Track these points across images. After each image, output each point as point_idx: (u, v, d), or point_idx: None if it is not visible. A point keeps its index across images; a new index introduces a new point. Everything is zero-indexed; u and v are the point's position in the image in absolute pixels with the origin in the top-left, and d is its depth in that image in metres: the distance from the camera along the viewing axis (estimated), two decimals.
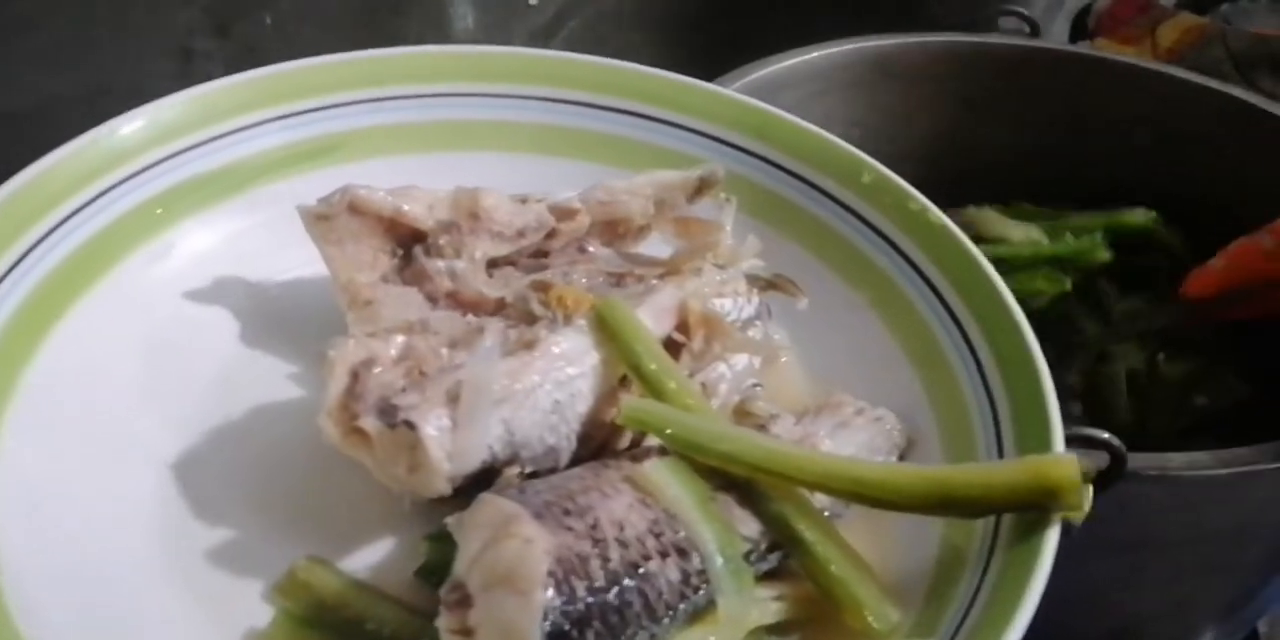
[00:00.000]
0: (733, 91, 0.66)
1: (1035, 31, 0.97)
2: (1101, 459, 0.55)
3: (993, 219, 0.88)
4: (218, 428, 0.54)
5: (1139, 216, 0.88)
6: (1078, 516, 0.47)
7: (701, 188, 0.61)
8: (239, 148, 0.60)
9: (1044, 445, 0.50)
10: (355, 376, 0.50)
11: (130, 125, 0.58)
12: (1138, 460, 0.61)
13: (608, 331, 0.52)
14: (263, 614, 0.49)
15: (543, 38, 0.99)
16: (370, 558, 0.51)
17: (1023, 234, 0.88)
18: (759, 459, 0.49)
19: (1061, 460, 0.47)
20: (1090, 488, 0.47)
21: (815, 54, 0.89)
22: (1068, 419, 0.51)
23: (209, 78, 0.60)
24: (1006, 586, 0.46)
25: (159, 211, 0.58)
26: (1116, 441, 0.54)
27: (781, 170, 0.63)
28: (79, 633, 0.46)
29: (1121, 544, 0.67)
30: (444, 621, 0.45)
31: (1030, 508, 0.47)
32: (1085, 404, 0.82)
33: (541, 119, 0.64)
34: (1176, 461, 0.62)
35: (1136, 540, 0.66)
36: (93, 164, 0.56)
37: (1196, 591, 0.71)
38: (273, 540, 0.51)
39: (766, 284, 0.60)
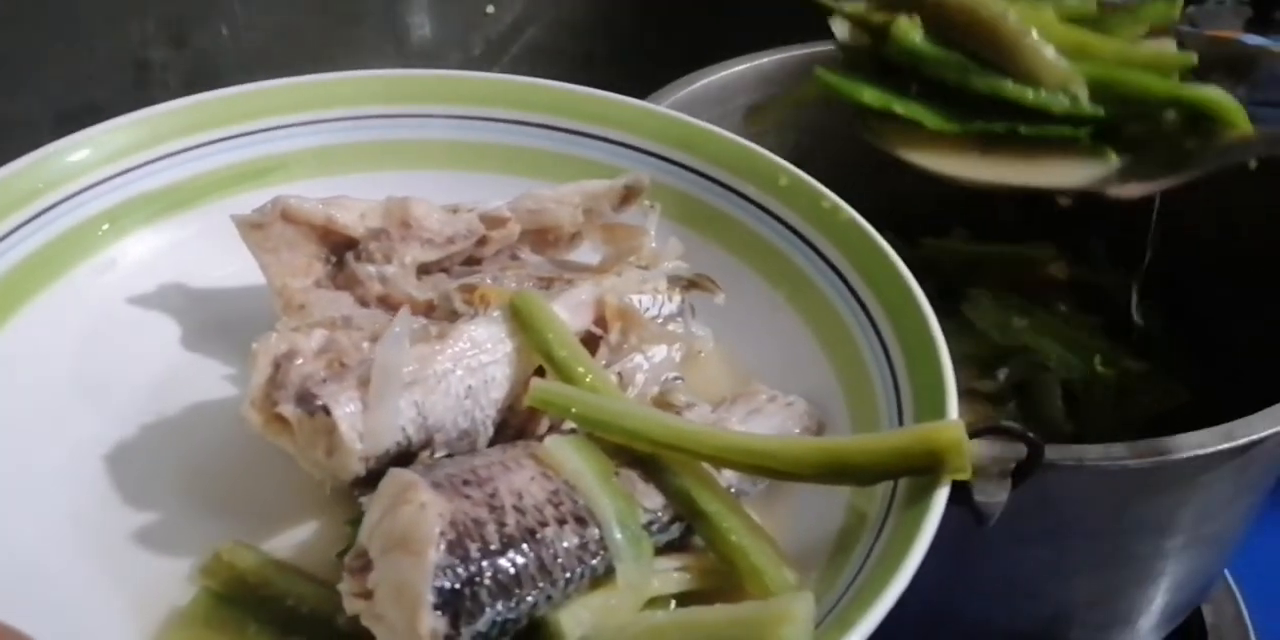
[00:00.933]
0: (655, 105, 0.69)
1: None
2: (1018, 451, 0.56)
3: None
4: (150, 422, 0.56)
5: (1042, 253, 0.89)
6: (965, 477, 0.49)
7: (627, 195, 0.64)
8: (183, 168, 0.64)
9: (938, 418, 0.51)
10: (277, 367, 0.53)
11: (78, 145, 0.61)
12: (1055, 452, 0.62)
13: (521, 321, 0.55)
14: (186, 595, 0.51)
15: (500, 47, 1.00)
16: (295, 541, 0.53)
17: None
18: (661, 435, 0.51)
19: (946, 425, 0.49)
20: (972, 444, 0.49)
21: (772, 58, 0.91)
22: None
23: (166, 89, 0.63)
24: (894, 546, 0.47)
25: (105, 227, 0.62)
26: (1032, 434, 0.55)
27: (703, 177, 0.66)
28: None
29: (1046, 535, 0.67)
30: (345, 585, 0.47)
31: (920, 471, 0.49)
32: (1021, 412, 0.83)
33: (474, 137, 0.68)
34: (1093, 453, 0.63)
35: (1060, 531, 0.67)
36: (40, 181, 0.60)
37: (1125, 580, 0.72)
38: (199, 526, 0.53)
39: (688, 283, 0.63)
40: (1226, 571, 0.89)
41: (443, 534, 0.45)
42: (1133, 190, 0.76)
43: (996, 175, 0.75)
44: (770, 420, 0.57)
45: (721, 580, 0.50)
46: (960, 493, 0.52)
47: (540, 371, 0.55)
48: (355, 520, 0.52)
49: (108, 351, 0.59)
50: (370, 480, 0.50)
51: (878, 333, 0.58)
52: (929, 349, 0.55)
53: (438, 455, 0.53)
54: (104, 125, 0.62)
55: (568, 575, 0.47)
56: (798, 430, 0.57)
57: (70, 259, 0.60)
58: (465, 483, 0.48)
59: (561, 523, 0.48)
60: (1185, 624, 0.84)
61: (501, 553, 0.46)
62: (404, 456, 0.52)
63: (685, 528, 0.51)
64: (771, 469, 0.50)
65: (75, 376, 0.57)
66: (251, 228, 0.59)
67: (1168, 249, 0.84)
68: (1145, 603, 0.75)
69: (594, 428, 0.51)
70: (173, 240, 0.63)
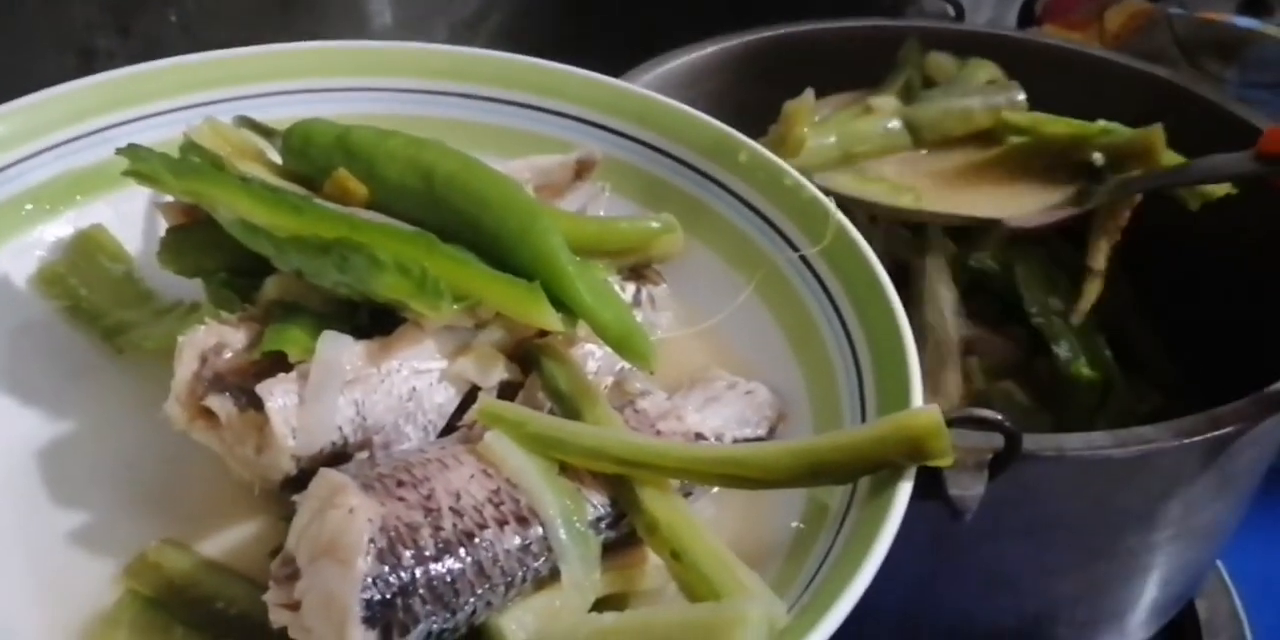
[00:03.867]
0: (610, 78, 0.65)
1: (960, 15, 0.97)
2: (996, 440, 0.54)
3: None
4: (75, 416, 0.54)
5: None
6: (947, 463, 0.46)
7: (580, 171, 0.61)
8: (111, 146, 0.60)
9: (904, 406, 0.49)
10: (204, 361, 0.50)
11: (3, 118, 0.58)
12: (1033, 441, 0.59)
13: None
14: (111, 598, 0.48)
15: (465, 32, 0.97)
16: (227, 541, 0.51)
17: None
18: (623, 453, 0.48)
19: (921, 411, 0.46)
20: (950, 431, 0.46)
21: (741, 40, 0.89)
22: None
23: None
24: (857, 542, 0.45)
25: (28, 207, 0.58)
26: (1009, 422, 0.53)
27: (660, 153, 0.63)
28: None
29: (1027, 527, 0.65)
30: (272, 595, 0.44)
31: (899, 463, 0.46)
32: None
33: (422, 111, 0.65)
34: (1073, 442, 0.61)
35: (1042, 523, 0.65)
36: None
37: (1112, 575, 0.70)
38: (126, 526, 0.50)
39: (632, 271, 0.60)
40: (1220, 564, 0.87)
41: (372, 541, 0.42)
42: (1029, 221, 0.77)
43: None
44: (727, 409, 0.54)
45: (666, 579, 0.48)
46: (933, 486, 0.50)
47: None
48: (289, 517, 0.50)
49: (31, 340, 0.56)
50: (302, 481, 0.47)
51: (841, 318, 0.55)
52: (893, 335, 0.52)
53: (372, 456, 0.50)
54: (31, 97, 0.59)
55: (509, 579, 0.45)
56: (756, 419, 0.55)
57: None
58: (399, 483, 0.45)
59: (502, 523, 0.45)
60: (1178, 618, 0.81)
61: (437, 559, 0.43)
62: (338, 458, 0.49)
63: (629, 526, 0.49)
64: (742, 477, 0.47)
65: None
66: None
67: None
68: (1134, 598, 0.72)
69: (550, 449, 0.48)
70: (97, 222, 0.60)
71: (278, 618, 0.44)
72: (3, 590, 0.48)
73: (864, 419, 0.51)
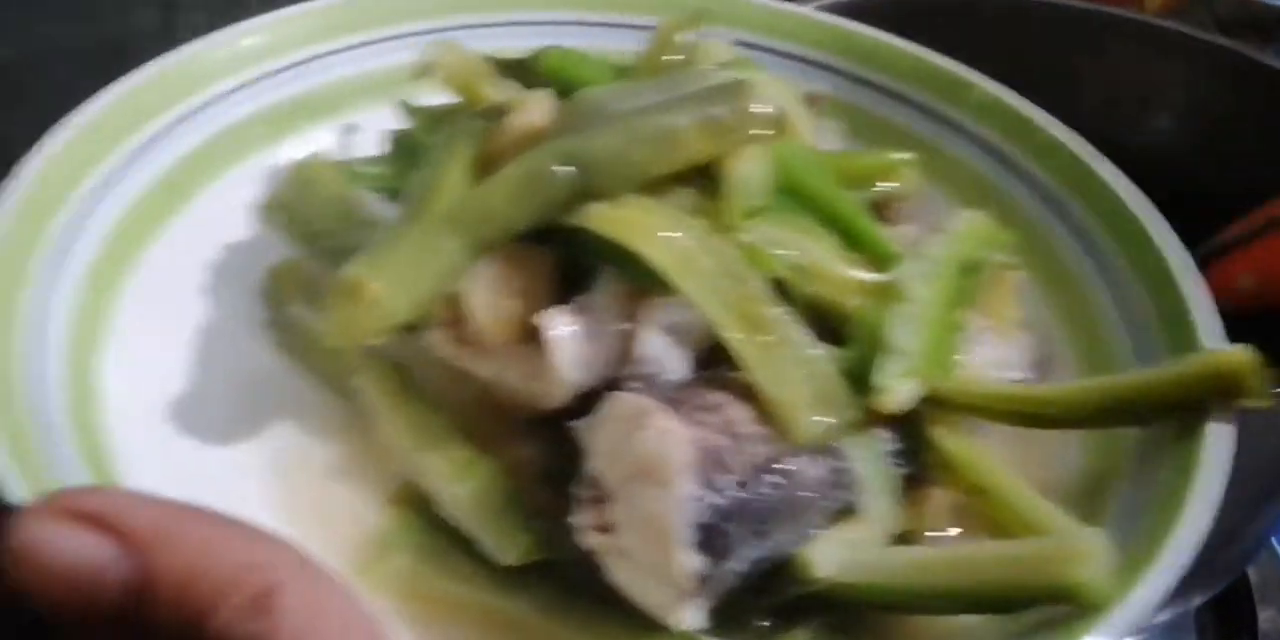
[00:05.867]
0: (835, 17, 0.64)
1: None
2: None
3: None
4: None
5: None
6: (1264, 404, 0.44)
7: (806, 105, 0.59)
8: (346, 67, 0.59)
9: (1194, 344, 0.47)
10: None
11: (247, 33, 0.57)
12: None
13: None
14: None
15: None
16: None
17: None
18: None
19: (1233, 351, 0.44)
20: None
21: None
22: None
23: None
24: (1177, 481, 0.43)
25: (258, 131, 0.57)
26: None
27: (889, 95, 0.61)
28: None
29: None
30: (581, 518, 0.42)
31: (1206, 403, 0.44)
32: None
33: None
34: None
35: None
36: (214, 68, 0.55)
37: None
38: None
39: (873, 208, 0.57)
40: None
41: (691, 463, 0.41)
42: None
43: None
44: (990, 350, 0.52)
45: (959, 517, 0.47)
46: None
47: None
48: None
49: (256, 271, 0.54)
50: (570, 410, 0.46)
51: (1101, 258, 0.53)
52: (1168, 272, 0.50)
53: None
54: (256, 20, 0.57)
55: (815, 509, 0.43)
56: (1018, 363, 0.53)
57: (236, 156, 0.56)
58: (699, 408, 0.43)
59: (803, 453, 0.44)
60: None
61: (749, 484, 0.42)
62: (608, 387, 0.47)
63: (921, 462, 0.47)
64: (1039, 416, 0.46)
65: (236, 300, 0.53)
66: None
67: None
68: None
69: None
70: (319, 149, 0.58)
71: (589, 540, 0.42)
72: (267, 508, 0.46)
73: (1143, 363, 0.49)
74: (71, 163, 0.50)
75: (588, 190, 0.45)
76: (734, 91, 0.45)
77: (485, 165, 0.47)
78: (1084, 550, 0.40)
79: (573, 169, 0.45)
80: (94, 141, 0.51)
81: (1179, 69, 0.81)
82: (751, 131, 0.45)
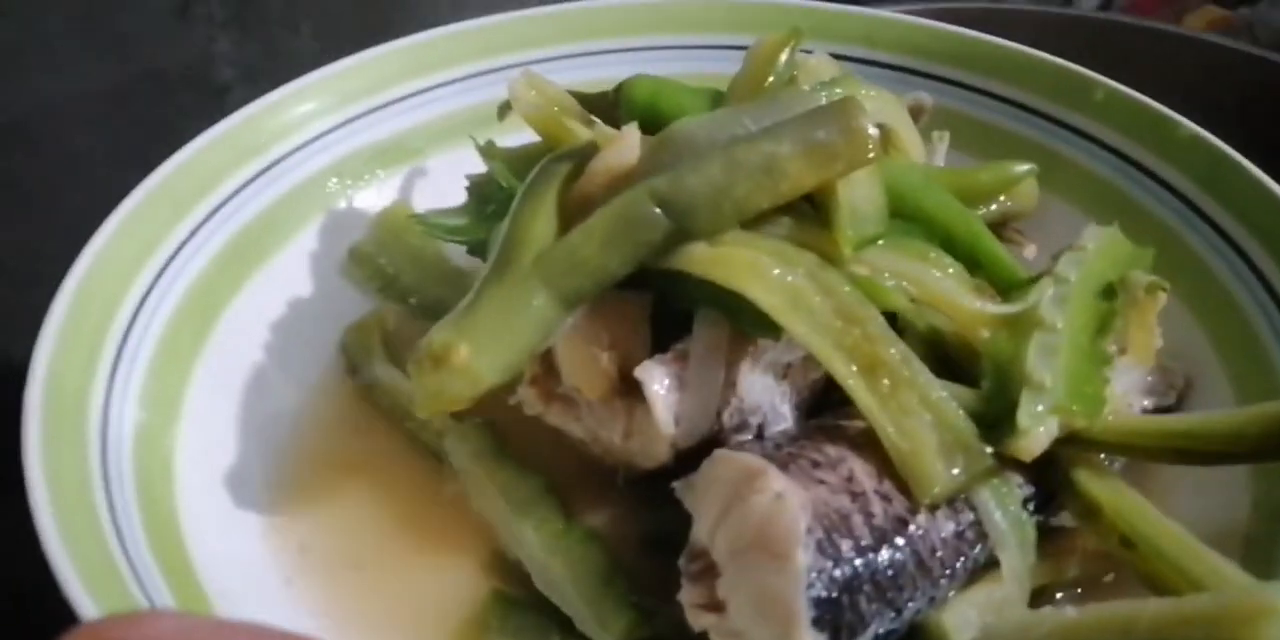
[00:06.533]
0: (926, 20, 0.59)
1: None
2: None
3: None
4: None
5: None
6: None
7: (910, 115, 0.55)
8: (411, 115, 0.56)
9: None
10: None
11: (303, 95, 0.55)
12: None
13: None
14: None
15: None
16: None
17: None
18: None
19: None
20: None
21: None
22: None
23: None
24: None
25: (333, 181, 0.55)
26: None
27: (998, 100, 0.57)
28: None
29: None
30: (688, 595, 0.39)
31: None
32: None
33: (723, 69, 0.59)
34: None
35: None
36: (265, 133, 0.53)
37: None
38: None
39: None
40: None
41: (809, 530, 0.37)
42: None
43: None
44: (1128, 375, 0.47)
45: (1104, 565, 0.42)
46: None
47: None
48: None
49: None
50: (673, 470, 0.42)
51: (1253, 266, 0.48)
52: None
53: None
54: (323, 71, 0.55)
55: (948, 570, 0.39)
56: (1162, 388, 0.48)
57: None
58: (815, 465, 0.40)
59: (933, 508, 0.40)
60: None
61: (876, 549, 0.38)
62: (712, 444, 0.43)
63: (1057, 507, 0.43)
64: (1197, 452, 0.41)
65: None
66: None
67: None
68: None
69: None
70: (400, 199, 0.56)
71: (698, 621, 0.38)
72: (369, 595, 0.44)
73: None
74: (145, 229, 0.48)
75: (686, 232, 0.42)
76: (838, 112, 0.42)
77: (573, 211, 0.44)
78: (1265, 607, 0.35)
79: (667, 210, 0.41)
80: (165, 207, 0.49)
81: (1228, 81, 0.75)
82: (860, 154, 0.41)
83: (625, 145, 0.45)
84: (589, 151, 0.45)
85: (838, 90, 0.47)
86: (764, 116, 0.44)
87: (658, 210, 0.42)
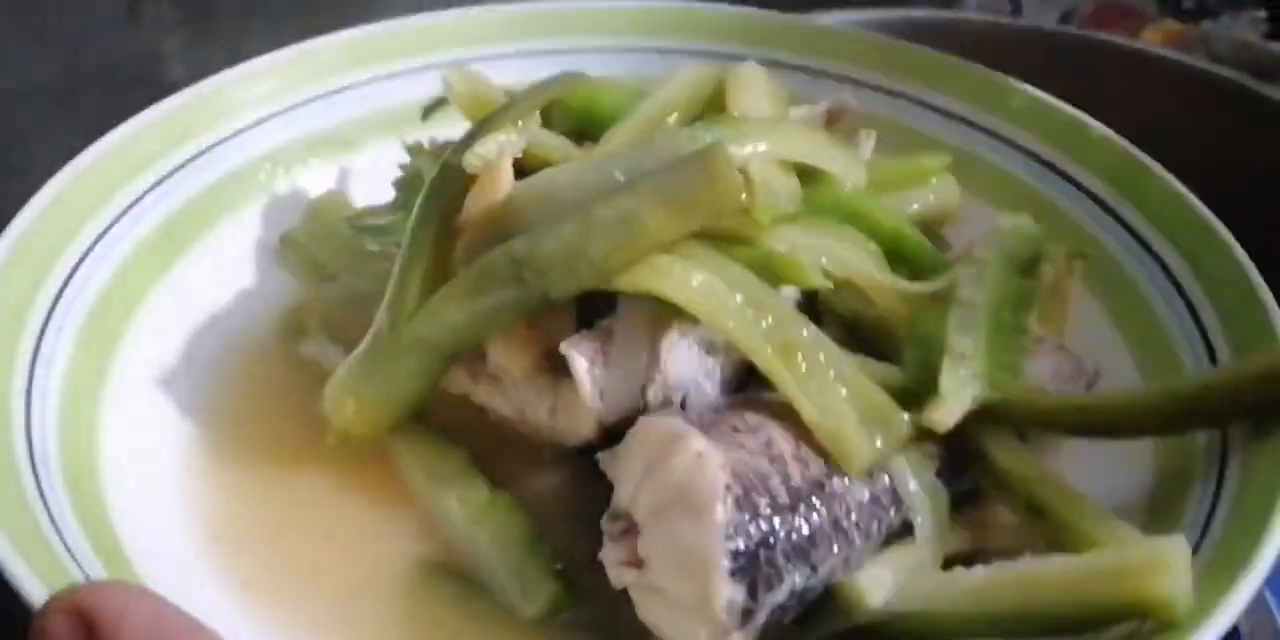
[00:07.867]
0: (855, 28, 0.61)
1: (1018, 9, 0.91)
2: None
3: None
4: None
5: None
6: None
7: (830, 120, 0.57)
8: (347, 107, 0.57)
9: (1269, 339, 0.44)
10: None
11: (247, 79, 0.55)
12: None
13: None
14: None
15: None
16: None
17: None
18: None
19: None
20: None
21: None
22: None
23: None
24: (1260, 483, 0.39)
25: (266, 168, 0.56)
26: None
27: (921, 105, 0.59)
28: None
29: None
30: (610, 554, 0.39)
31: None
32: None
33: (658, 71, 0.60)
34: None
35: None
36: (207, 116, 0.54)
37: None
38: None
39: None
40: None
41: (728, 487, 0.38)
42: None
43: None
44: (1042, 362, 0.49)
45: (1015, 535, 0.43)
46: None
47: None
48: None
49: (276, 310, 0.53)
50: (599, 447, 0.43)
51: (1157, 257, 0.50)
52: (1232, 265, 0.47)
53: None
54: (259, 60, 0.55)
55: (863, 533, 0.40)
56: (1073, 375, 0.49)
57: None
58: (735, 429, 0.40)
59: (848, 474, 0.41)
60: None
61: (793, 508, 0.39)
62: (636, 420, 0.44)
63: (973, 479, 0.44)
64: (1102, 425, 0.43)
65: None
66: None
67: None
68: None
69: None
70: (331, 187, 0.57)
71: (620, 577, 0.39)
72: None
73: (1213, 362, 0.46)
74: (70, 212, 0.48)
75: (546, 292, 0.42)
76: (702, 161, 0.41)
77: (451, 238, 0.45)
78: (1165, 559, 0.36)
79: (525, 272, 0.42)
80: (93, 189, 0.50)
81: (1177, 96, 0.78)
82: (728, 201, 0.41)
83: (492, 186, 0.45)
84: (460, 180, 0.46)
85: (710, 133, 0.45)
86: (634, 165, 0.44)
87: (516, 273, 0.42)
